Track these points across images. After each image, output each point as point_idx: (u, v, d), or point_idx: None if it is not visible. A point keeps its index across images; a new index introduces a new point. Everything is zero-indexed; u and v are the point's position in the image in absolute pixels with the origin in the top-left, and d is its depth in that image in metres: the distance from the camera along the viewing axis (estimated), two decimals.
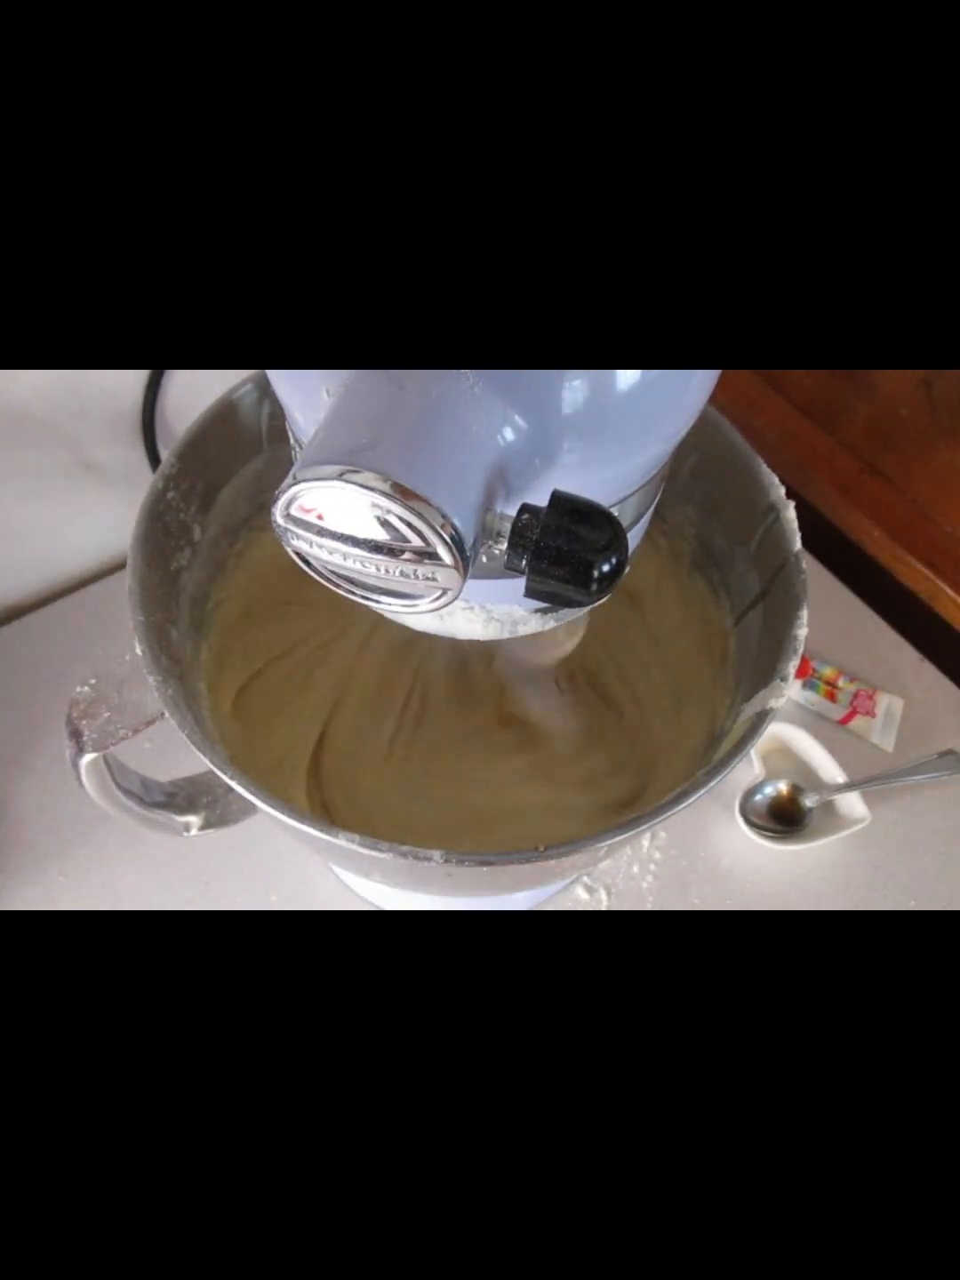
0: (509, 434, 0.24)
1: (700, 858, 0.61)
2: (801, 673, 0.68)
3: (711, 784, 0.34)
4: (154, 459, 0.68)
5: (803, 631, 0.38)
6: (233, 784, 0.34)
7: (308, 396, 0.26)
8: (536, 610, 0.31)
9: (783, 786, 0.62)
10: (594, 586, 0.23)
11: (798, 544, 0.40)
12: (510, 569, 0.24)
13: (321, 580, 0.26)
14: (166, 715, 0.36)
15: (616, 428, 0.26)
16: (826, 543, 0.74)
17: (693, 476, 0.46)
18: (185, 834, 0.47)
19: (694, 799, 0.34)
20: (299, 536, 0.24)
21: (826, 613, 0.72)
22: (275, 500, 0.23)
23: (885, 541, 0.72)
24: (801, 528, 0.41)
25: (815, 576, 0.74)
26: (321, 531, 0.23)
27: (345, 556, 0.24)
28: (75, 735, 0.37)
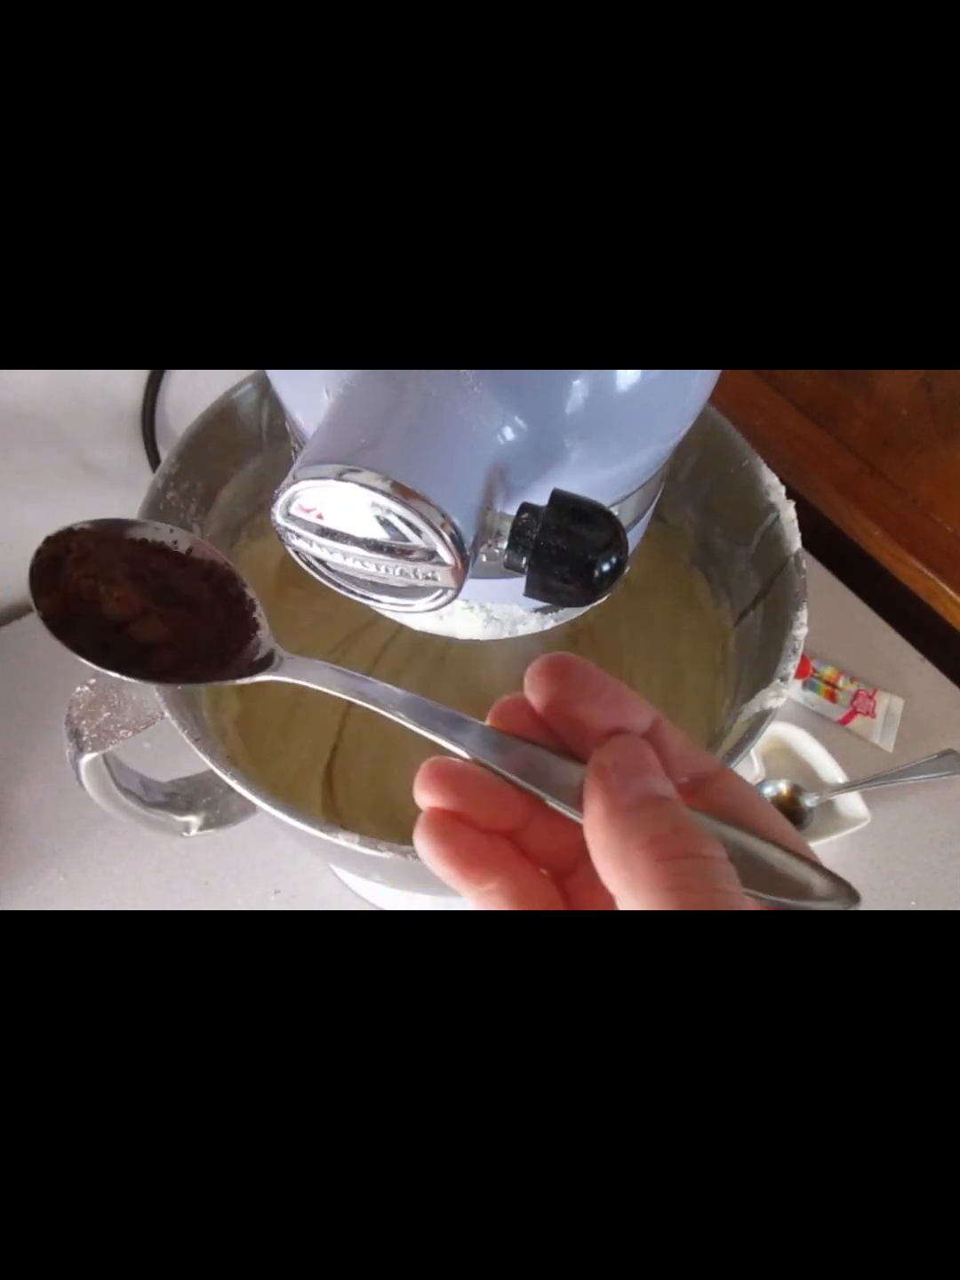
0: (509, 433, 0.24)
1: None
2: (801, 673, 0.68)
3: None
4: (154, 459, 0.69)
5: (802, 631, 0.38)
6: (233, 783, 0.34)
7: (308, 396, 0.26)
8: (536, 610, 0.31)
9: (783, 786, 0.62)
10: (594, 586, 0.23)
11: (797, 544, 0.40)
12: (510, 568, 0.24)
13: (321, 580, 0.26)
14: (166, 715, 0.36)
15: (616, 427, 0.26)
16: (826, 542, 0.74)
17: (693, 476, 0.46)
18: (185, 834, 0.47)
19: None
20: (299, 536, 0.24)
21: (826, 613, 0.72)
22: (275, 499, 0.23)
23: (885, 541, 0.72)
24: (801, 527, 0.41)
25: (815, 576, 0.74)
26: (322, 531, 0.23)
27: (345, 556, 0.24)
28: (75, 735, 0.37)
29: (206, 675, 0.27)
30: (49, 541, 0.29)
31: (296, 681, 0.26)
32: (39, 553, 0.29)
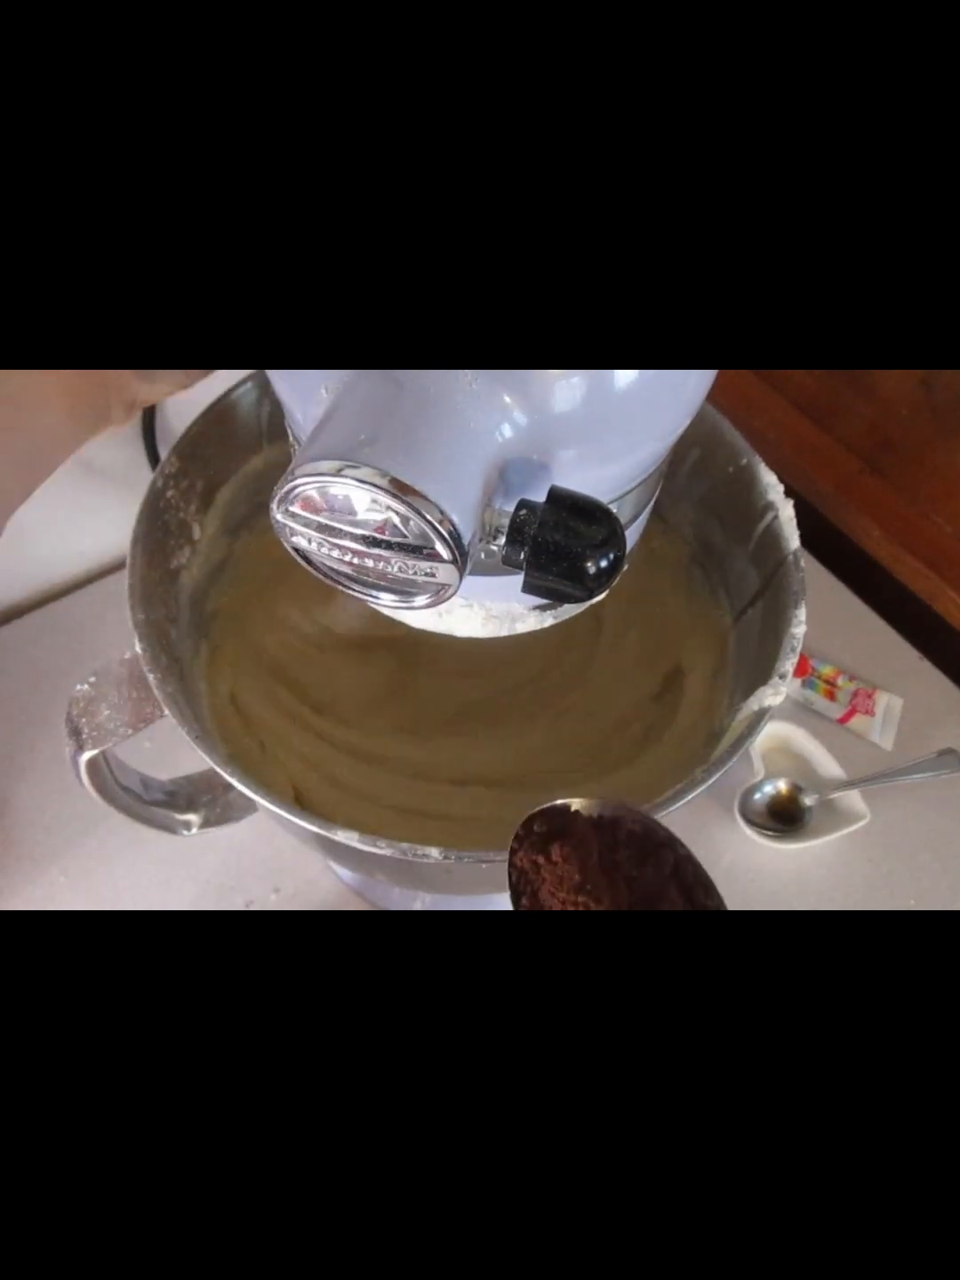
0: (507, 430, 0.24)
1: (699, 857, 0.61)
2: (800, 671, 0.68)
3: (709, 782, 0.34)
4: (154, 459, 0.68)
5: (801, 629, 0.38)
6: (232, 781, 0.34)
7: (307, 394, 0.26)
8: (535, 606, 0.31)
9: (782, 785, 0.62)
10: (591, 582, 0.23)
11: (796, 542, 0.40)
12: (508, 564, 0.24)
13: (320, 577, 0.26)
14: (166, 713, 0.36)
15: (614, 425, 0.26)
16: (826, 542, 0.74)
17: (692, 474, 0.46)
18: (185, 832, 0.47)
19: (692, 797, 0.34)
20: (298, 532, 0.24)
21: (826, 611, 0.71)
22: (275, 496, 0.23)
23: (885, 541, 0.72)
24: (801, 527, 0.41)
25: (814, 575, 0.74)
26: (321, 528, 0.23)
27: (344, 553, 0.24)
28: (75, 733, 0.37)
29: None
30: (515, 866, 0.28)
31: None
32: (513, 867, 0.28)
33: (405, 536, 0.22)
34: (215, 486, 0.46)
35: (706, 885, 0.28)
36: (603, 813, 0.29)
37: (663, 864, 0.29)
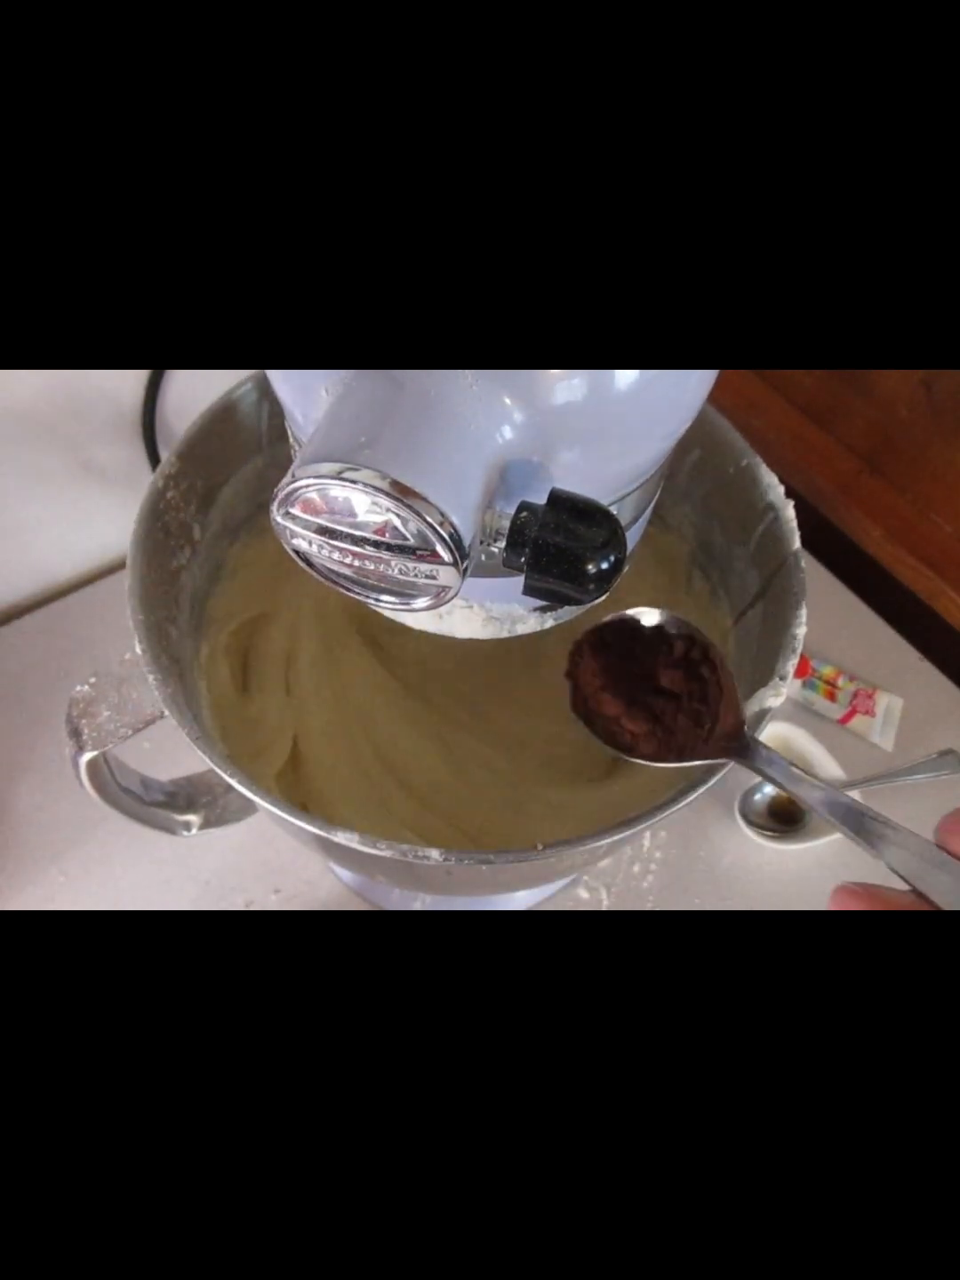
0: (508, 432, 0.24)
1: (700, 857, 0.61)
2: (801, 672, 0.68)
3: (710, 782, 0.34)
4: (154, 459, 0.69)
5: (801, 630, 0.38)
6: (232, 782, 0.34)
7: (307, 395, 0.26)
8: (535, 609, 0.31)
9: None
10: (592, 584, 0.23)
11: (796, 543, 0.40)
12: (508, 567, 0.24)
13: (321, 578, 0.26)
14: (166, 714, 0.36)
15: (615, 426, 0.26)
16: (826, 542, 0.74)
17: (692, 476, 0.46)
18: (185, 833, 0.47)
19: (692, 797, 0.34)
20: (298, 534, 0.24)
21: (826, 612, 0.72)
22: (274, 498, 0.23)
23: (885, 541, 0.72)
24: (801, 527, 0.41)
25: (815, 576, 0.74)
26: (321, 529, 0.23)
27: (344, 554, 0.24)
28: (75, 734, 0.37)
29: (686, 756, 0.34)
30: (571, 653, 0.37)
31: (751, 767, 0.32)
32: (571, 656, 0.37)
33: (405, 539, 0.22)
34: (216, 487, 0.46)
35: (707, 659, 0.35)
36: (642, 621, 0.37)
37: (672, 650, 0.36)
